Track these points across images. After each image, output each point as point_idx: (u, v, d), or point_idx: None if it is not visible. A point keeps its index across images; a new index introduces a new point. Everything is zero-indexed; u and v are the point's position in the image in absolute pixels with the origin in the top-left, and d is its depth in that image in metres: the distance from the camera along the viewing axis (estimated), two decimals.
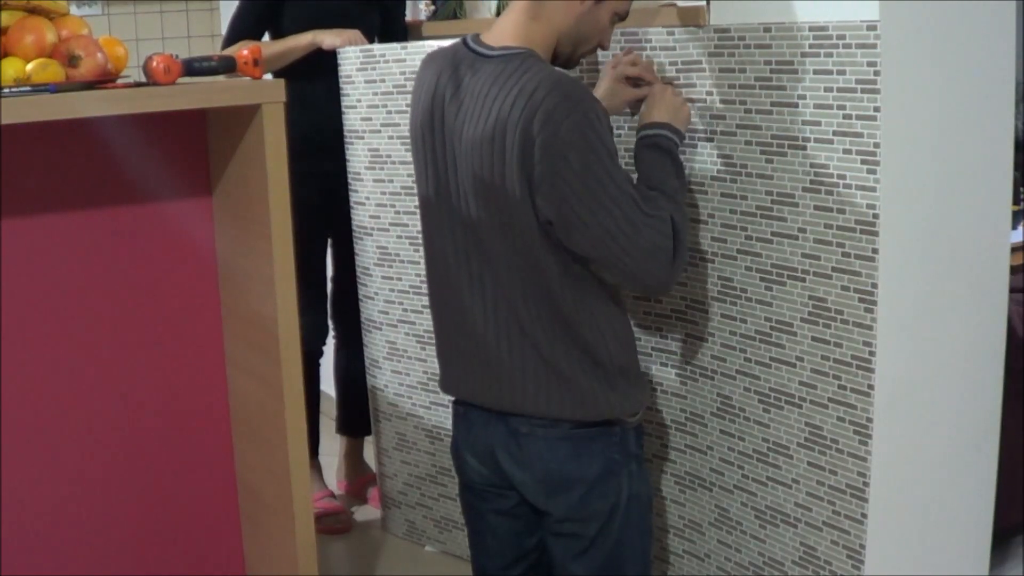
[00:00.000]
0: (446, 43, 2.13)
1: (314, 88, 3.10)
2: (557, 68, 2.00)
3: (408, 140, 2.16)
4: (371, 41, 3.14)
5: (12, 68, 1.94)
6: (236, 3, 3.16)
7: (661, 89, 2.19)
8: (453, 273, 2.05)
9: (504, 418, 2.05)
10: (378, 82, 2.89)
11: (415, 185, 2.14)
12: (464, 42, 2.04)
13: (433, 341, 2.91)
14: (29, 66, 1.95)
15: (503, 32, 2.00)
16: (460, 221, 2.01)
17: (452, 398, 2.18)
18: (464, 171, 1.97)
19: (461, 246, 2.02)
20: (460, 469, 2.18)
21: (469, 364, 2.08)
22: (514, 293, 1.98)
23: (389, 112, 2.88)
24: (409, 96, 2.79)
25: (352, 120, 3.00)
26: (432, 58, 2.10)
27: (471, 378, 2.08)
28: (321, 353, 3.37)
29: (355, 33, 3.03)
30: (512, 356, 2.00)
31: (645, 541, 2.14)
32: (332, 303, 3.41)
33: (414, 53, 2.80)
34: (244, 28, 3.13)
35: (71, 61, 1.99)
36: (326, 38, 3.03)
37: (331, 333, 3.44)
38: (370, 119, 2.93)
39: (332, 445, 3.57)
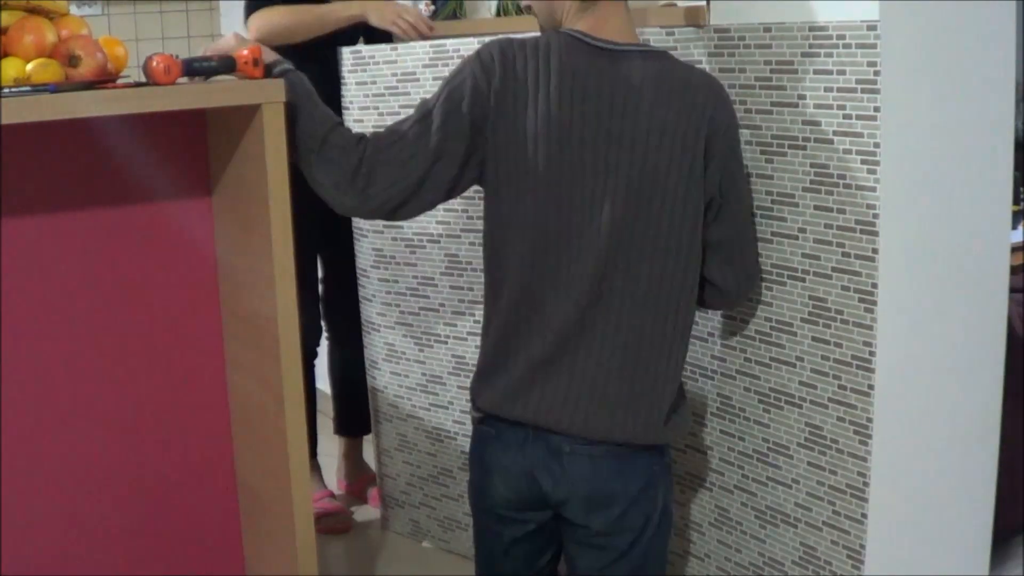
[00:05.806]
0: (490, 36, 2.05)
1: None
2: None
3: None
4: (356, 41, 3.10)
5: (12, 68, 1.94)
6: (237, 2, 3.13)
7: None
8: (563, 291, 1.96)
9: (544, 437, 1.99)
10: (369, 84, 2.88)
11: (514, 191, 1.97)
12: (575, 38, 1.97)
13: (431, 344, 2.93)
14: (29, 66, 1.95)
15: (620, 29, 2.01)
16: (602, 229, 1.94)
17: (470, 412, 2.11)
18: (627, 168, 1.93)
19: (591, 262, 1.95)
20: (484, 492, 2.09)
21: (558, 389, 1.98)
22: (646, 313, 1.97)
23: (381, 114, 2.87)
24: (401, 98, 2.81)
25: (345, 122, 2.99)
26: (535, 49, 1.96)
27: (556, 403, 1.98)
28: (316, 354, 3.36)
29: (398, 9, 2.82)
30: (621, 384, 1.97)
31: (667, 551, 2.14)
32: (324, 304, 3.41)
33: (405, 54, 2.79)
34: None
35: (71, 61, 1.99)
36: (372, 14, 2.88)
37: (324, 334, 3.44)
38: (362, 121, 2.93)
39: (331, 445, 3.57)
